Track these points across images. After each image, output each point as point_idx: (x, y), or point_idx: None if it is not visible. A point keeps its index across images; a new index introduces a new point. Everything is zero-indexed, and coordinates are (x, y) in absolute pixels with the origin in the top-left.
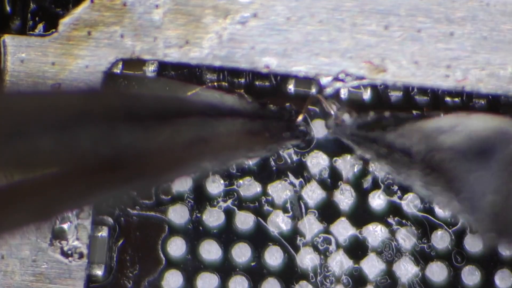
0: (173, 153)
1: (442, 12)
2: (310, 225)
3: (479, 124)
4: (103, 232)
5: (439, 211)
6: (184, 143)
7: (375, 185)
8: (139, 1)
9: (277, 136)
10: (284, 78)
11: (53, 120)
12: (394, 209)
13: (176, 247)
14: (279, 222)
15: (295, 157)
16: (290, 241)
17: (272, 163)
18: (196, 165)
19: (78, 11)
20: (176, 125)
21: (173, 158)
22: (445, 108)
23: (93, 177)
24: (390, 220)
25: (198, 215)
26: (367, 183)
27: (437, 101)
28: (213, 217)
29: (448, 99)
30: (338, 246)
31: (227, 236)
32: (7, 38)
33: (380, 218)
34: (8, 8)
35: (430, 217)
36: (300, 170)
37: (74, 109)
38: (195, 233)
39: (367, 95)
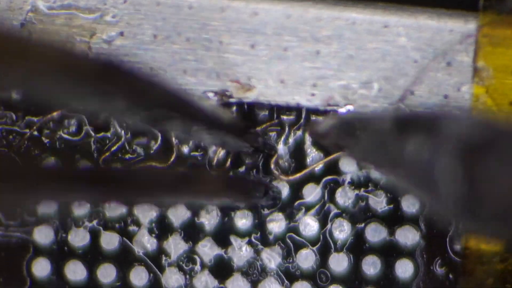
0: (157, 182)
1: (308, 31)
2: (176, 245)
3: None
4: None
5: (304, 230)
6: (170, 177)
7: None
8: (4, 19)
9: (252, 195)
10: None
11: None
12: (259, 229)
13: (41, 268)
14: (145, 242)
15: None
16: (155, 261)
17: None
18: (171, 197)
19: None
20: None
21: (154, 184)
22: None
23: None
24: (255, 239)
25: (64, 235)
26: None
27: (301, 119)
28: (78, 237)
29: (313, 117)
30: (203, 266)
31: (92, 256)
32: None
33: (245, 237)
34: None
35: (295, 236)
36: None
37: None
38: (60, 253)
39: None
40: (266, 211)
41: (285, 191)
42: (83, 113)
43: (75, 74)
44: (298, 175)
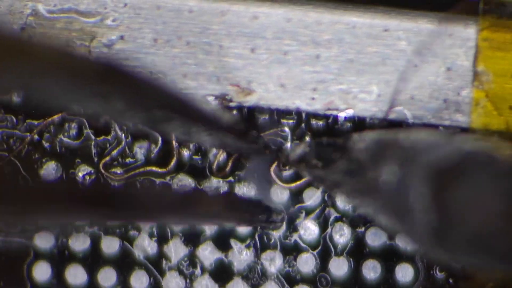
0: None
1: (308, 35)
2: (176, 249)
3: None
4: None
5: (304, 234)
6: (170, 198)
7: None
8: (4, 23)
9: (252, 218)
10: None
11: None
12: (260, 233)
13: (42, 272)
14: (145, 246)
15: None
16: (156, 265)
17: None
18: (171, 219)
19: None
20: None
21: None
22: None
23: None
24: (256, 243)
25: (64, 239)
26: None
27: (302, 124)
28: (79, 242)
29: (313, 121)
30: (204, 269)
31: (93, 260)
32: None
33: (245, 241)
34: None
35: (295, 240)
36: None
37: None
38: (60, 257)
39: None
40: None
41: (285, 195)
42: (84, 116)
43: (75, 75)
44: (298, 183)
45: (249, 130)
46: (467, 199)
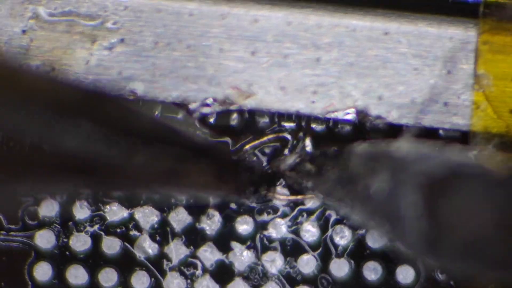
0: (147, 175)
1: (308, 38)
2: (177, 250)
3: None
4: None
5: (305, 235)
6: (160, 170)
7: (241, 211)
8: (5, 26)
9: (242, 189)
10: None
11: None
12: (261, 234)
13: (43, 272)
14: (146, 247)
15: None
16: (157, 265)
17: None
18: (162, 190)
19: None
20: (158, 149)
21: (145, 177)
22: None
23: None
24: (257, 244)
25: (65, 240)
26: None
27: (302, 127)
28: (80, 242)
29: (314, 125)
30: (204, 270)
31: (94, 260)
32: None
33: (246, 242)
34: None
35: (296, 241)
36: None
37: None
38: (61, 258)
39: (234, 120)
40: (268, 217)
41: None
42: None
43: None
44: (299, 197)
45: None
46: (457, 208)
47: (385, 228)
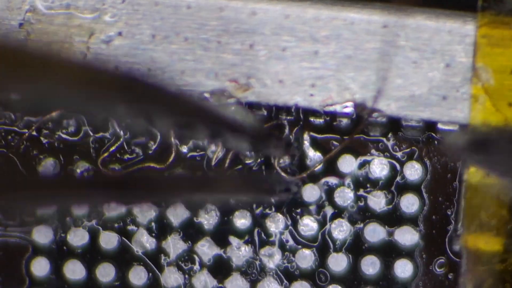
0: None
1: (306, 31)
2: (175, 244)
3: None
4: None
5: (303, 230)
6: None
7: (239, 205)
8: (2, 19)
9: (271, 191)
10: None
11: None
12: (259, 228)
13: (40, 267)
14: (144, 242)
15: None
16: (155, 260)
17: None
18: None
19: None
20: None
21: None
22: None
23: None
24: (255, 239)
25: (63, 235)
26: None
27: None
28: (77, 237)
29: (312, 118)
30: (202, 265)
31: (91, 255)
32: None
33: (244, 237)
34: None
35: (296, 235)
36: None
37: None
38: (59, 253)
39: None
40: (266, 211)
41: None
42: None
43: (97, 88)
44: (301, 175)
45: (270, 131)
46: None
47: None
